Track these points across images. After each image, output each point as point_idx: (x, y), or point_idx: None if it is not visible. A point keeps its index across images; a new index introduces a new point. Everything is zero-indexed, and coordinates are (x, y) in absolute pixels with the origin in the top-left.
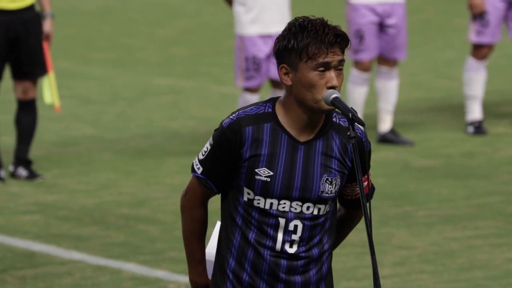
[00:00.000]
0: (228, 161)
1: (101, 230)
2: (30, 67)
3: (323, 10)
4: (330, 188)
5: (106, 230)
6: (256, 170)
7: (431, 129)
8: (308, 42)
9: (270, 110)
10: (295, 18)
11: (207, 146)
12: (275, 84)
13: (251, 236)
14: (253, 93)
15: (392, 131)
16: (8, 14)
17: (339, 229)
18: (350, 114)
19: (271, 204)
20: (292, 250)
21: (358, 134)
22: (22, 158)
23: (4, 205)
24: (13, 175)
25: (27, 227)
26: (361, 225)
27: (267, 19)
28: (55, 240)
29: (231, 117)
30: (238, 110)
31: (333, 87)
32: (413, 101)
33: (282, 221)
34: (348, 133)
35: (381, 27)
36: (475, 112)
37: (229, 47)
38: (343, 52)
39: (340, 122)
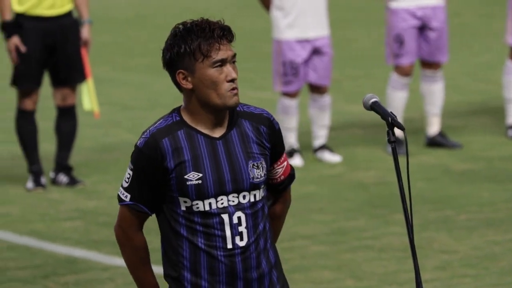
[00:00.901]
0: (154, 179)
1: None
2: (68, 73)
3: (362, 15)
4: (258, 172)
5: (146, 236)
6: (186, 177)
7: (471, 132)
8: (199, 41)
9: (177, 118)
10: (175, 25)
11: (128, 172)
12: (313, 89)
13: (200, 242)
14: (291, 98)
15: (441, 134)
16: (47, 20)
17: (273, 221)
18: (390, 118)
19: (210, 204)
20: (243, 242)
21: (264, 114)
22: (62, 165)
23: (45, 211)
24: (54, 181)
25: (68, 234)
26: (403, 229)
27: (305, 23)
28: (96, 246)
29: (143, 136)
30: (146, 129)
31: (232, 80)
32: (452, 104)
33: (225, 216)
34: (388, 138)
35: (422, 30)
36: None
37: (266, 52)
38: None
39: (244, 109)
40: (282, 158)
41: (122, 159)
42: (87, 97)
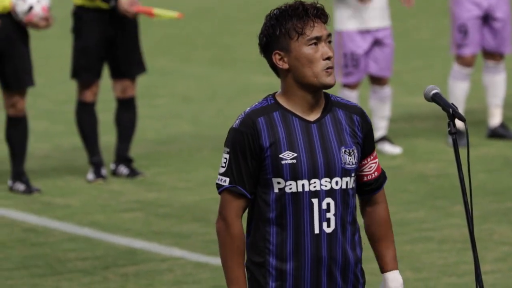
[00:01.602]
0: (251, 157)
1: (202, 227)
2: (128, 66)
3: (425, 5)
4: (350, 159)
5: (206, 227)
6: (281, 156)
7: None
8: (293, 20)
9: (272, 101)
10: (270, 11)
11: (224, 157)
12: (374, 80)
13: (289, 225)
14: (352, 90)
15: (503, 125)
16: (106, 13)
17: (382, 225)
18: (451, 109)
19: (303, 185)
20: (329, 229)
21: (358, 106)
22: (123, 156)
23: (106, 203)
24: (114, 173)
25: (129, 225)
26: (463, 221)
27: (366, 14)
28: (156, 238)
29: (238, 118)
30: (250, 108)
31: (328, 58)
32: None
33: (315, 201)
34: (449, 129)
35: (486, 20)
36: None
37: None
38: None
39: (338, 99)
40: (375, 154)
41: (182, 151)
42: (163, 12)
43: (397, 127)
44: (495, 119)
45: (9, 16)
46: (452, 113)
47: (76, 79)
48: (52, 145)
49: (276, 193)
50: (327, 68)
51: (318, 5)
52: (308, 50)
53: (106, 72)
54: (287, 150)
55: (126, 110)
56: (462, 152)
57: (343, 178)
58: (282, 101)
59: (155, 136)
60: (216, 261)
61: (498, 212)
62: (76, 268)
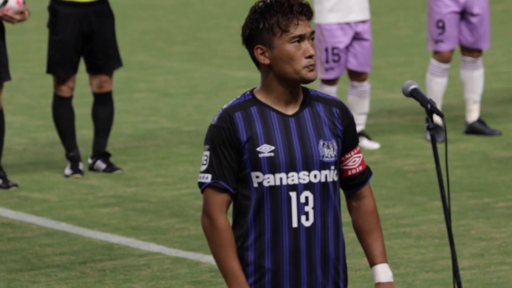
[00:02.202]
0: (230, 152)
1: (180, 223)
2: (104, 60)
3: (402, 1)
4: (329, 152)
5: (184, 223)
6: (258, 149)
7: (510, 120)
8: (278, 17)
9: (250, 97)
10: (255, 2)
11: (205, 154)
12: (353, 75)
13: (267, 220)
14: (331, 85)
15: (480, 120)
16: (82, 6)
17: (369, 217)
18: (429, 105)
19: (281, 179)
20: (308, 223)
21: (337, 99)
22: (100, 151)
23: (83, 198)
24: (92, 168)
25: (106, 220)
26: (441, 216)
27: (347, 7)
28: (134, 233)
29: (216, 115)
30: (228, 104)
31: (310, 56)
32: (492, 91)
33: (293, 194)
34: (427, 124)
35: (463, 16)
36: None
37: None
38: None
39: (317, 93)
40: (359, 148)
41: (161, 146)
42: None
43: (376, 123)
44: (473, 114)
45: None
46: (430, 109)
47: (52, 74)
48: (29, 139)
49: (256, 187)
50: (309, 65)
51: (303, 1)
52: (290, 47)
53: (82, 66)
54: (264, 143)
55: (103, 105)
56: (440, 147)
57: (322, 171)
58: (260, 96)
59: (133, 131)
60: (194, 256)
61: (475, 207)
62: (53, 263)
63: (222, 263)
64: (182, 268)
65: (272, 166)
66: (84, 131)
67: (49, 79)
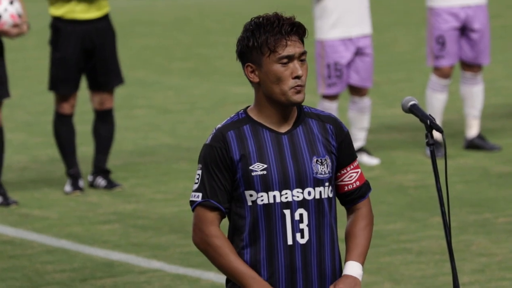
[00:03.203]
0: (223, 171)
1: (180, 239)
2: (106, 77)
3: (401, 18)
4: (322, 168)
5: (184, 239)
6: (251, 168)
7: (510, 135)
8: (266, 36)
9: (243, 115)
10: (251, 18)
11: (197, 173)
12: (354, 90)
13: (262, 238)
14: (332, 101)
15: (480, 136)
16: (84, 24)
17: (356, 238)
18: (428, 121)
19: (274, 196)
20: (303, 240)
21: (332, 116)
22: (100, 168)
23: (83, 214)
24: (92, 185)
25: (106, 237)
26: (441, 232)
27: (348, 22)
28: (134, 249)
29: (210, 134)
30: (223, 124)
31: (298, 77)
32: (492, 107)
33: (287, 212)
34: (427, 140)
35: (464, 32)
36: None
37: (309, 55)
38: (302, 43)
39: (311, 110)
40: (356, 163)
41: (161, 162)
42: None
43: (375, 138)
44: (473, 130)
45: None
46: (430, 124)
47: (53, 91)
48: (30, 157)
49: (250, 206)
50: (296, 86)
51: (294, 21)
52: (278, 68)
53: (83, 83)
54: (257, 162)
55: (103, 122)
56: (440, 163)
57: (316, 188)
58: (253, 114)
59: (133, 147)
60: (195, 273)
61: (475, 223)
62: (53, 280)
63: (228, 269)
64: (183, 284)
65: (265, 184)
66: (84, 148)
67: (49, 96)
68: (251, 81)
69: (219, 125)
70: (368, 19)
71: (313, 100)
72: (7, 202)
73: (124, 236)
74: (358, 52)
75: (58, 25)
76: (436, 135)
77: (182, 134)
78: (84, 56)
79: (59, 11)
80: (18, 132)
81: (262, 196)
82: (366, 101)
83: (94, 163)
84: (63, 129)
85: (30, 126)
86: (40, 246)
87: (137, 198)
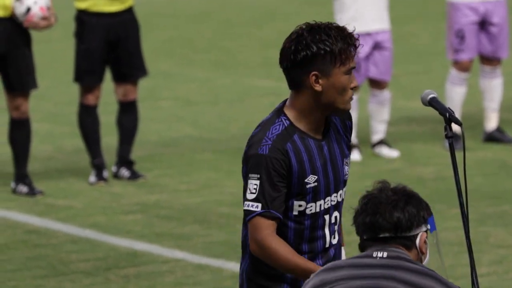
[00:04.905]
0: (282, 182)
1: (203, 229)
2: (130, 69)
3: (421, 10)
4: (348, 169)
5: (207, 229)
6: (306, 180)
7: None
8: (339, 47)
9: (288, 123)
10: (303, 25)
11: (254, 183)
12: (374, 84)
13: (305, 245)
14: None
15: (499, 129)
16: (109, 16)
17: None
18: (447, 114)
19: (320, 205)
20: (335, 241)
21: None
22: (124, 159)
23: (107, 205)
24: (116, 175)
25: (130, 227)
26: (459, 224)
27: (366, 17)
28: (157, 239)
29: (263, 144)
30: (259, 136)
31: (355, 87)
32: (510, 100)
33: (327, 217)
34: (445, 133)
35: (483, 26)
36: None
37: None
38: None
39: None
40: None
41: (184, 154)
42: None
43: (395, 131)
44: (492, 123)
45: (11, 19)
46: (449, 117)
47: (78, 83)
48: (55, 147)
49: (295, 215)
50: (351, 96)
51: (355, 34)
52: (345, 78)
53: (108, 74)
54: (310, 174)
55: (127, 113)
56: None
57: (343, 189)
58: (294, 120)
59: (157, 138)
60: (217, 263)
61: (494, 215)
62: (78, 270)
63: (296, 267)
64: (205, 274)
65: (316, 195)
66: (109, 139)
67: (75, 87)
68: (308, 89)
69: (268, 135)
70: (387, 14)
71: None
72: (33, 192)
73: (147, 226)
74: (377, 46)
75: (83, 17)
76: (455, 127)
77: (204, 125)
78: (109, 48)
79: (84, 4)
80: (44, 123)
81: (311, 206)
82: (386, 94)
83: (118, 153)
84: (88, 120)
85: (56, 117)
86: (64, 236)
87: (161, 189)
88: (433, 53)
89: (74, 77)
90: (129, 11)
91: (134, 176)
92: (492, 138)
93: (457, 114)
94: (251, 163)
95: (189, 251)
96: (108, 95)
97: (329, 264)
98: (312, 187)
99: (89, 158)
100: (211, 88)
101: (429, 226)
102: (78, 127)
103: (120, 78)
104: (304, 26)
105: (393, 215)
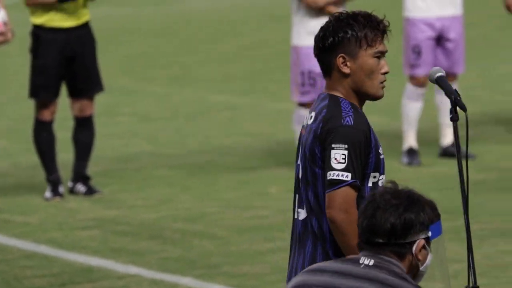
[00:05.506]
0: (363, 153)
1: (158, 245)
2: (86, 84)
3: None
4: None
5: (162, 245)
6: (379, 151)
7: (485, 142)
8: (366, 30)
9: (349, 101)
10: (337, 14)
11: (342, 153)
12: None
13: None
14: (307, 108)
15: (454, 144)
16: (64, 32)
17: None
18: (453, 97)
19: (383, 178)
20: None
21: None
22: (80, 174)
23: (63, 220)
24: (72, 191)
25: (86, 242)
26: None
27: None
28: (113, 255)
29: (346, 115)
30: (335, 112)
31: (385, 73)
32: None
33: None
34: (451, 116)
35: (439, 41)
36: None
37: (287, 63)
38: None
39: None
40: None
41: (141, 169)
42: None
43: None
44: (447, 138)
45: None
46: (454, 101)
47: (34, 98)
48: (11, 163)
49: (370, 186)
50: (383, 81)
51: (386, 21)
52: (373, 61)
53: (64, 90)
54: (380, 146)
55: (84, 128)
56: (416, 171)
57: None
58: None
59: (114, 154)
60: (172, 278)
61: (450, 230)
62: (33, 285)
63: (353, 251)
64: None
65: (384, 167)
66: (65, 155)
67: (30, 103)
68: (338, 71)
69: (345, 109)
70: None
71: (290, 108)
72: None
73: (103, 242)
74: None
75: (39, 33)
76: (413, 144)
77: (162, 141)
78: (65, 63)
79: (40, 19)
80: None
81: (382, 177)
82: None
83: (74, 169)
84: (43, 136)
85: (12, 133)
86: (19, 251)
87: (117, 204)
88: (391, 69)
89: (30, 92)
90: (85, 27)
91: (90, 191)
92: (448, 153)
93: (414, 130)
94: (336, 134)
95: (144, 267)
96: (64, 111)
97: (315, 266)
98: (382, 158)
99: (44, 174)
100: (169, 103)
101: (430, 233)
102: (33, 143)
103: (76, 93)
104: (334, 16)
105: (387, 221)
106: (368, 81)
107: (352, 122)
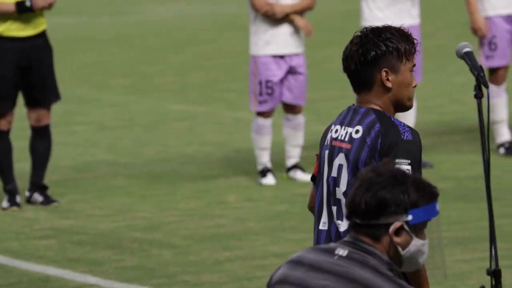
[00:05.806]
0: (420, 167)
1: (116, 254)
2: (43, 94)
3: (337, 36)
4: None
5: (120, 254)
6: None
7: (442, 152)
8: (405, 45)
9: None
10: (365, 29)
11: (406, 168)
12: (288, 108)
13: None
14: (265, 118)
15: None
16: (21, 41)
17: None
18: (476, 73)
19: None
20: None
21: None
22: (37, 184)
23: (20, 230)
24: (29, 200)
25: (42, 252)
26: None
27: (281, 40)
28: (70, 265)
29: (403, 130)
30: (390, 124)
31: (415, 86)
32: (424, 124)
33: None
34: (475, 92)
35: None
36: (504, 135)
37: (245, 73)
38: None
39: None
40: None
41: (99, 178)
42: None
43: (310, 155)
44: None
45: None
46: (477, 77)
47: None
48: None
49: None
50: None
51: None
52: (410, 75)
53: (20, 99)
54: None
55: (40, 138)
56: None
57: None
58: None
59: (71, 163)
60: (129, 287)
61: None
62: None
63: None
64: None
65: None
66: (22, 164)
67: None
68: (381, 86)
69: (401, 123)
70: (301, 38)
71: (248, 117)
72: None
73: (60, 251)
74: (291, 71)
75: None
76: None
77: (119, 150)
78: (21, 73)
79: None
80: None
81: None
82: (300, 119)
83: (31, 179)
84: (0, 145)
85: None
86: None
87: (74, 214)
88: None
89: None
90: (41, 36)
91: (47, 201)
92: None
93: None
94: (399, 149)
95: (102, 277)
96: (21, 120)
97: (295, 257)
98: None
99: (1, 183)
100: (126, 112)
101: (410, 217)
102: None
103: (33, 103)
104: (365, 30)
105: (362, 200)
106: (406, 94)
107: (411, 137)
